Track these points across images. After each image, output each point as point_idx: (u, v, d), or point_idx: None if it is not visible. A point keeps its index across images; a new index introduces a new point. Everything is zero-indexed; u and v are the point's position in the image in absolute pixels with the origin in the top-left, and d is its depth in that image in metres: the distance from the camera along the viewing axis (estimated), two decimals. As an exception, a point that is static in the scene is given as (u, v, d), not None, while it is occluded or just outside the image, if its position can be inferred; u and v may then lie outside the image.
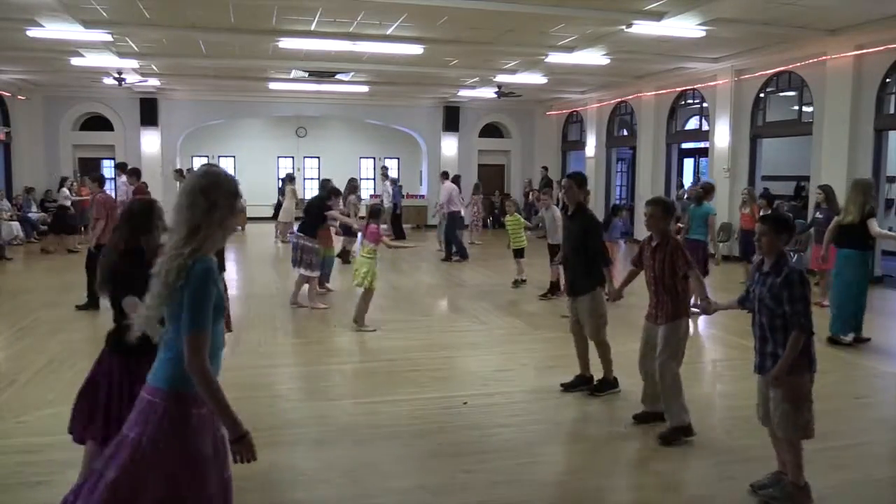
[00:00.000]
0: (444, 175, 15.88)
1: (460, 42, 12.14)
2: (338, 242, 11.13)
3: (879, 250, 11.45)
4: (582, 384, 5.56)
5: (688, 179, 18.75)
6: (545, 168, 20.48)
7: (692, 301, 4.91)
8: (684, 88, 15.51)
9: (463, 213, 14.77)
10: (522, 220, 11.15)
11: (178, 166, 18.26)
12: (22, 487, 3.83)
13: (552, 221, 9.47)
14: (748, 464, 4.17)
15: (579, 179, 5.63)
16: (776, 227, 3.71)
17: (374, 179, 22.97)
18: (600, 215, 10.54)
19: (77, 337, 7.25)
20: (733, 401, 5.34)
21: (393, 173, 21.71)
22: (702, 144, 16.18)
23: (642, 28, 10.16)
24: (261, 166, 22.33)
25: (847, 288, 7.24)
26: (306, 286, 8.97)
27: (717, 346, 7.55)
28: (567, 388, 5.56)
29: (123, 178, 13.18)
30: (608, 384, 5.51)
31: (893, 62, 10.58)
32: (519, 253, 10.70)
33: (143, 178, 12.61)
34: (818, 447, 4.56)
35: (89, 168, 18.32)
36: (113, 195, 11.37)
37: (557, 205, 9.93)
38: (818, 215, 9.15)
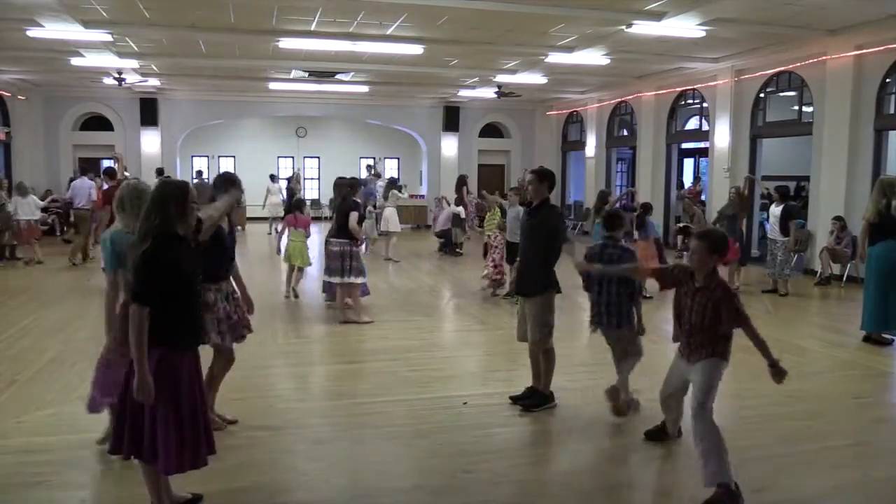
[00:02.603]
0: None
1: (460, 42, 12.14)
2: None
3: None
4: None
5: (688, 179, 18.75)
6: (526, 171, 20.29)
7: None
8: (684, 88, 15.51)
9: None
10: (498, 217, 10.68)
11: (160, 166, 18.07)
12: (21, 487, 3.82)
13: (514, 219, 8.95)
14: (748, 464, 4.17)
15: (542, 174, 5.26)
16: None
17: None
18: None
19: (77, 337, 7.25)
20: (736, 401, 5.33)
21: (392, 173, 21.75)
22: (702, 144, 16.17)
23: (642, 28, 10.16)
24: (261, 166, 22.31)
25: (876, 283, 7.13)
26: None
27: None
28: (517, 400, 5.26)
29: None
30: (545, 398, 5.20)
31: (893, 62, 10.57)
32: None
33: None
34: (818, 447, 4.58)
35: (89, 168, 18.34)
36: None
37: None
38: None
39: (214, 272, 4.42)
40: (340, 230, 7.94)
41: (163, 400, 3.15)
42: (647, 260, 9.83)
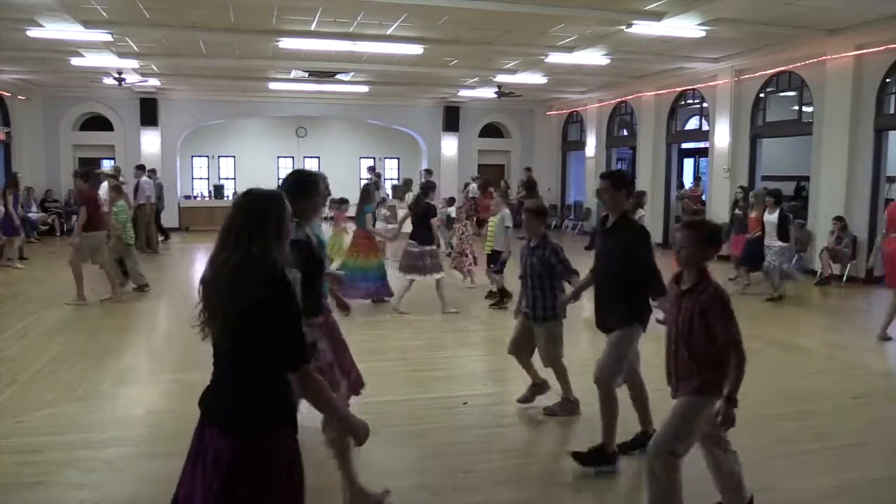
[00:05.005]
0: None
1: (460, 42, 12.14)
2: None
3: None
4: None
5: (688, 179, 18.75)
6: (528, 169, 20.03)
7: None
8: (684, 88, 15.50)
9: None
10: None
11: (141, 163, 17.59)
12: (20, 487, 3.82)
13: (499, 225, 8.98)
14: (748, 464, 4.16)
15: (618, 179, 4.28)
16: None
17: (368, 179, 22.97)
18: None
19: (77, 337, 7.25)
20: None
21: (392, 173, 21.76)
22: (702, 144, 16.18)
23: (642, 28, 10.16)
24: (261, 166, 22.33)
25: None
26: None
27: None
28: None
29: (144, 177, 14.84)
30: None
31: (893, 62, 10.57)
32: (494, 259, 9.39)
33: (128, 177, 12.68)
34: (818, 447, 4.58)
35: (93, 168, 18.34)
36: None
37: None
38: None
39: None
40: (418, 233, 8.78)
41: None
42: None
